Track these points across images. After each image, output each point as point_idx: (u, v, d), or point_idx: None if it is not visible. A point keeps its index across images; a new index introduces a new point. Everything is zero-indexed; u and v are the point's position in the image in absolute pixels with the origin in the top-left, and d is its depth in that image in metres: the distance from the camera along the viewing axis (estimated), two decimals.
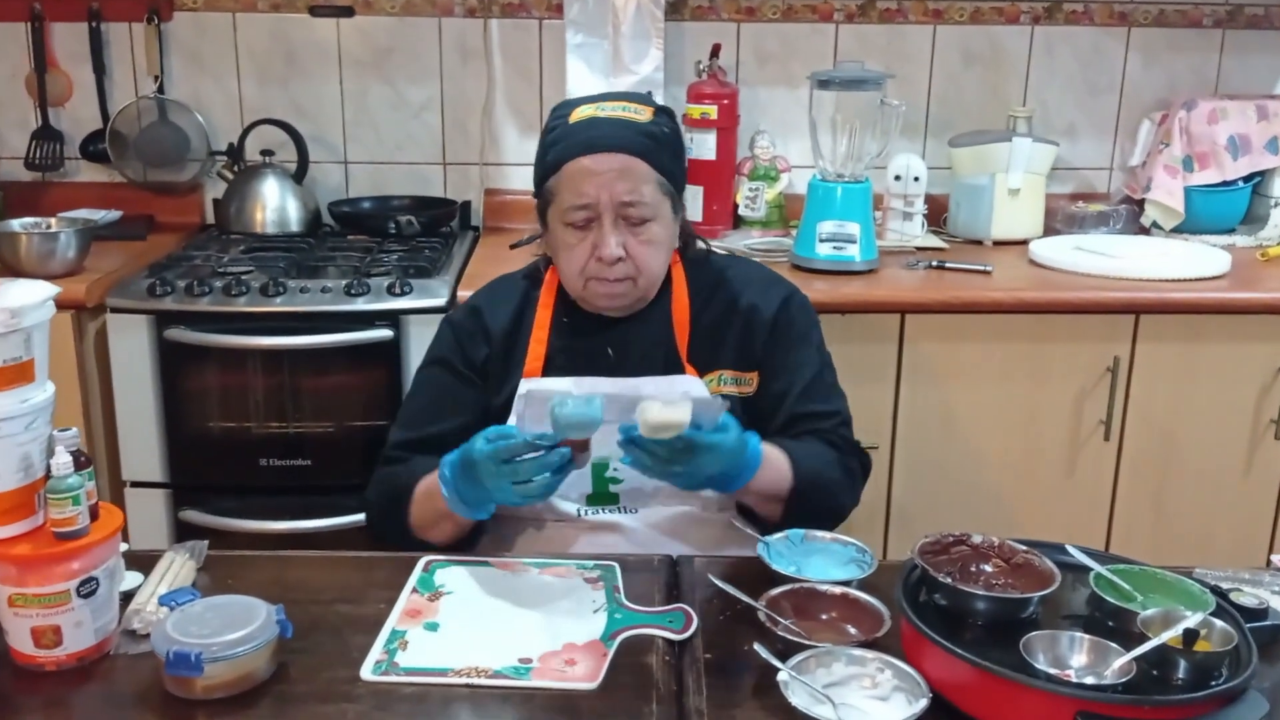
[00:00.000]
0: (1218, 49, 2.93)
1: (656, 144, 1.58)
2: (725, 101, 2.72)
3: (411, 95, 2.90)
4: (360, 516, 2.36)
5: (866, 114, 2.48)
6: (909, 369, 2.38)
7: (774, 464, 1.51)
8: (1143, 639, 1.12)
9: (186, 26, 2.84)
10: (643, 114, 1.59)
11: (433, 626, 1.30)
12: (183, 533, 2.35)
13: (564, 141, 1.57)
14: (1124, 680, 1.06)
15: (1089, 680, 1.08)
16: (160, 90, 2.85)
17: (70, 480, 1.18)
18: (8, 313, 1.13)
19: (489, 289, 1.76)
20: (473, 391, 1.66)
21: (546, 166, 1.60)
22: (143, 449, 2.33)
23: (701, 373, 1.63)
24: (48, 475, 1.19)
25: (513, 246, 1.74)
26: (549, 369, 1.64)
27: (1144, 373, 2.38)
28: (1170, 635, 1.08)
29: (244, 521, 2.35)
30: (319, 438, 2.35)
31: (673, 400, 1.35)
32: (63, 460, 1.18)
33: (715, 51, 2.76)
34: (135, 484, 2.36)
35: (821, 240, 2.46)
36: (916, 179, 2.72)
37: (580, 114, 1.58)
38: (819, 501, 1.56)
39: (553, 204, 1.60)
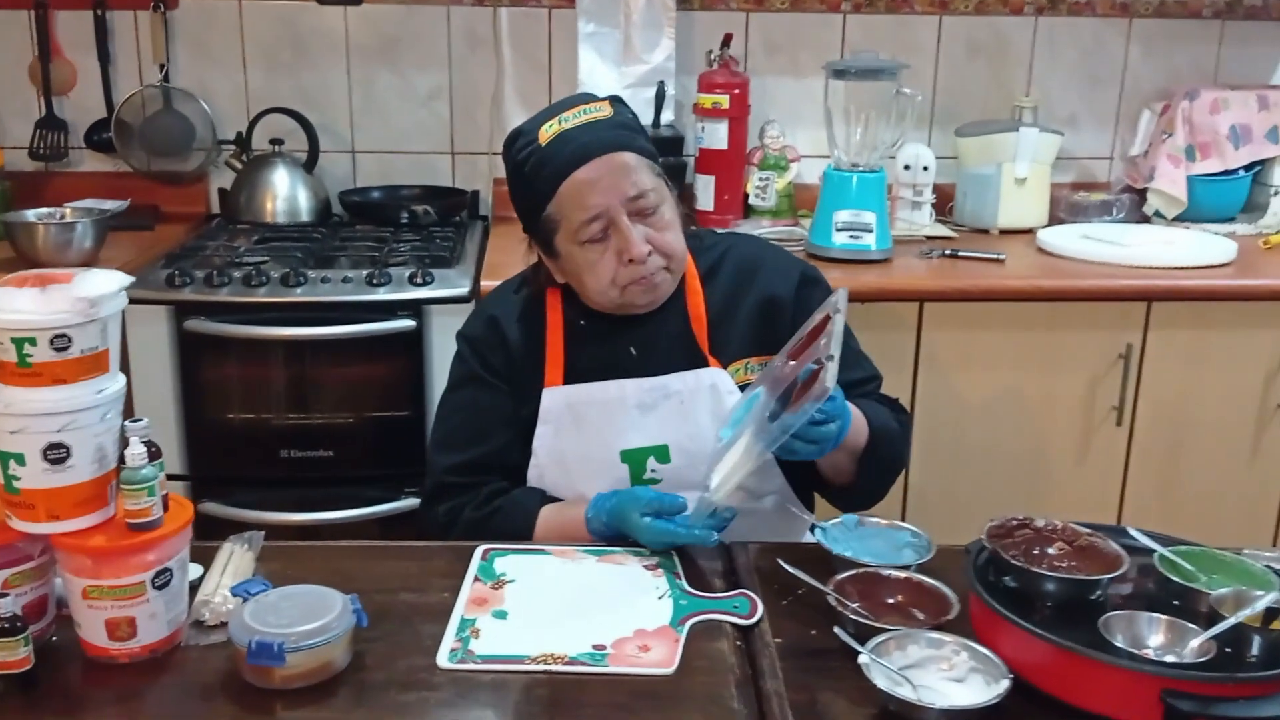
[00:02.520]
0: (1217, 40, 2.97)
1: (630, 131, 1.56)
2: (736, 91, 2.73)
3: (419, 84, 2.89)
4: (382, 508, 2.37)
5: (881, 103, 2.50)
6: (926, 357, 2.40)
7: (855, 417, 1.52)
8: (1213, 617, 1.14)
9: (192, 14, 2.81)
10: (602, 109, 1.54)
11: (501, 614, 1.31)
12: (203, 526, 2.29)
13: (547, 165, 1.51)
14: (1204, 659, 1.08)
15: (1169, 659, 1.10)
16: (165, 79, 2.82)
17: (145, 471, 1.18)
18: (86, 302, 1.13)
19: (497, 299, 1.72)
20: (509, 402, 1.64)
21: (538, 196, 1.54)
22: (162, 440, 2.18)
23: (725, 363, 1.62)
24: (119, 466, 1.19)
25: (515, 293, 1.70)
26: (572, 377, 1.62)
27: (1155, 359, 2.42)
28: (1249, 613, 1.10)
29: (264, 514, 2.33)
30: (340, 429, 2.34)
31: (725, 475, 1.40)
32: (137, 450, 1.18)
33: (726, 41, 2.77)
34: None
35: (837, 229, 2.48)
36: (926, 168, 2.75)
37: (547, 133, 1.52)
38: (889, 451, 1.59)
39: (559, 230, 1.54)
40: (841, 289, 1.44)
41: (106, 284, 1.16)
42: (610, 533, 1.50)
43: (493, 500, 1.60)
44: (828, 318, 1.38)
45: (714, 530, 1.43)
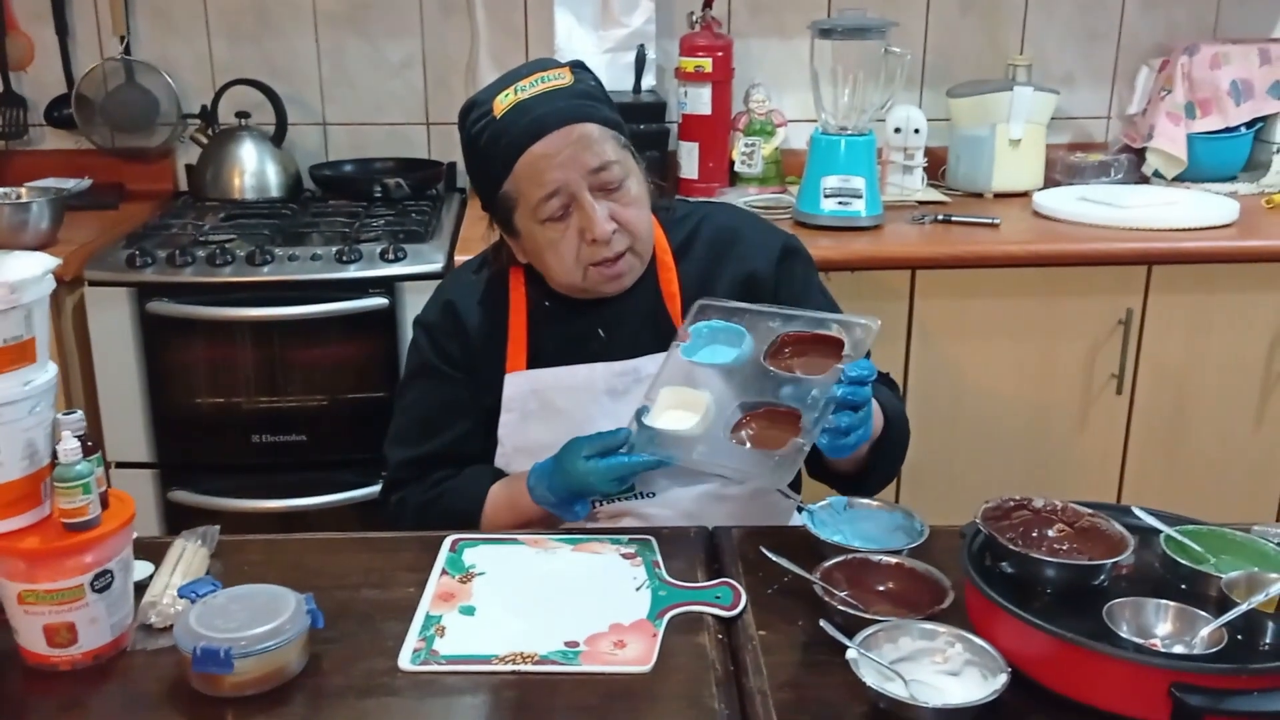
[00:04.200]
0: None
1: (593, 100, 1.45)
2: (720, 54, 2.63)
3: (391, 52, 2.79)
4: (359, 493, 2.30)
5: (869, 64, 2.41)
6: (919, 325, 2.32)
7: (874, 408, 1.42)
8: (1223, 602, 1.07)
9: None
10: (562, 77, 1.44)
11: (469, 610, 1.23)
12: (172, 514, 2.26)
13: (502, 139, 1.42)
14: (1216, 649, 1.01)
15: (1177, 649, 1.03)
16: (127, 51, 2.72)
17: (79, 467, 1.10)
18: (7, 288, 1.05)
19: (455, 282, 1.63)
20: (467, 392, 1.56)
21: (493, 172, 1.45)
22: (127, 428, 2.23)
23: None
24: (53, 463, 1.11)
25: (475, 273, 1.61)
26: (536, 361, 1.53)
27: (1156, 325, 2.35)
28: (1262, 599, 1.03)
29: (236, 501, 2.27)
30: (312, 412, 2.27)
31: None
32: (70, 446, 1.10)
33: (708, 2, 2.67)
34: (121, 465, 2.26)
35: (826, 195, 2.40)
36: (917, 131, 2.66)
37: (502, 104, 1.42)
38: (901, 437, 1.52)
39: (518, 208, 1.45)
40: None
41: (29, 267, 1.07)
42: (555, 497, 1.42)
43: (441, 484, 1.54)
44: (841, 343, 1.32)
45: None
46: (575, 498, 1.43)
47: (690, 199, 2.17)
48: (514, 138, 1.42)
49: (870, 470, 1.51)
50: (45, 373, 1.11)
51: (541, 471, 1.44)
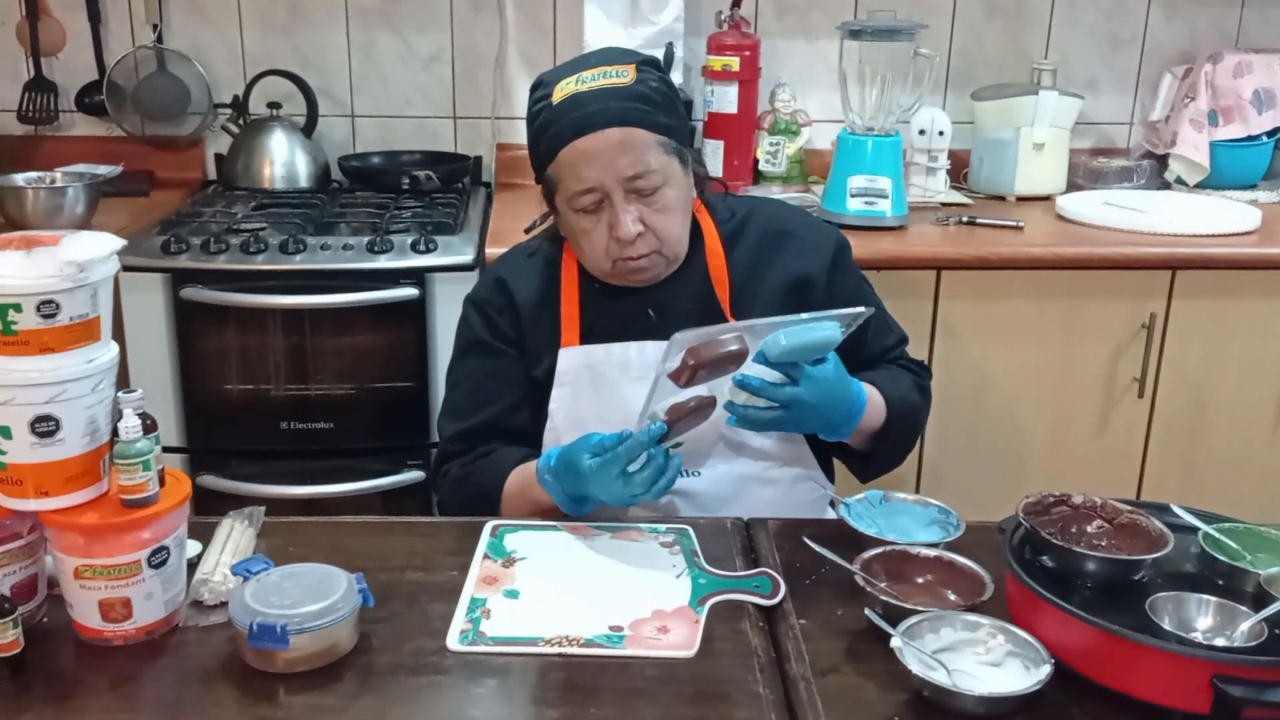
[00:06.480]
0: (1240, 1, 2.89)
1: (649, 105, 1.47)
2: (747, 53, 2.65)
3: (420, 46, 2.81)
4: (385, 481, 2.32)
5: (898, 65, 2.42)
6: (944, 326, 2.34)
7: (873, 402, 1.52)
8: (1262, 598, 1.09)
9: None
10: (626, 75, 1.46)
11: (513, 594, 1.25)
12: (201, 499, 2.27)
13: (553, 127, 1.46)
14: (1256, 642, 1.03)
15: (1218, 643, 1.05)
16: (159, 39, 2.73)
17: (140, 444, 1.12)
18: (75, 266, 1.06)
19: (508, 259, 1.67)
20: (516, 365, 1.59)
21: (541, 155, 1.50)
22: (158, 412, 2.13)
23: None
24: (113, 440, 1.13)
25: (527, 231, 1.64)
26: (587, 337, 1.57)
27: (1179, 329, 2.36)
28: None
29: (264, 486, 2.28)
30: (341, 400, 2.28)
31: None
32: (131, 423, 1.12)
33: (737, 1, 2.69)
34: None
35: (852, 195, 2.41)
36: (941, 133, 2.67)
37: (562, 91, 1.46)
38: (909, 428, 1.61)
39: (557, 191, 1.51)
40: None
41: (96, 247, 1.09)
42: (562, 489, 1.40)
43: (478, 459, 1.56)
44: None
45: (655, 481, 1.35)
46: (582, 498, 1.42)
47: (734, 193, 2.20)
48: (561, 129, 1.46)
49: (874, 453, 1.59)
50: (108, 351, 1.13)
51: (550, 456, 1.43)
